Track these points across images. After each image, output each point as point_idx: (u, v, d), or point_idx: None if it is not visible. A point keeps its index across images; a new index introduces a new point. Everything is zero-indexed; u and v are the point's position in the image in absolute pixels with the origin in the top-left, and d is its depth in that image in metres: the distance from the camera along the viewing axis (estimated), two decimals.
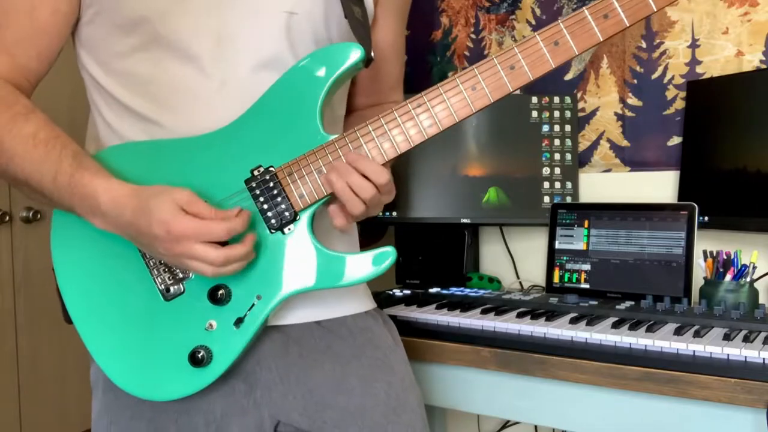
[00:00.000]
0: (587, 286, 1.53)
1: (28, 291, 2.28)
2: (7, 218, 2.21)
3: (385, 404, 0.98)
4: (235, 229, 0.84)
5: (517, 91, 1.79)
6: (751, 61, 1.52)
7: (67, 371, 2.35)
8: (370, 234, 1.90)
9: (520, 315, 1.31)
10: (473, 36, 1.89)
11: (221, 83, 0.92)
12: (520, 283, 1.78)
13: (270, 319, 0.94)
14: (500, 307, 1.37)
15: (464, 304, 1.41)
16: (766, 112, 1.39)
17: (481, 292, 1.54)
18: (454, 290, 1.56)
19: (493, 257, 1.85)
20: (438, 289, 1.57)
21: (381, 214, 1.72)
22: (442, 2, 1.94)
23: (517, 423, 1.85)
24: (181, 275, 0.90)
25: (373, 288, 1.58)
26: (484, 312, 1.35)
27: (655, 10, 0.85)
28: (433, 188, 1.68)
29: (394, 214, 1.71)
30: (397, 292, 1.58)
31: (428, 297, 1.51)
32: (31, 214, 2.25)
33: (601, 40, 0.86)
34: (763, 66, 1.50)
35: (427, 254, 1.74)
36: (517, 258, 1.81)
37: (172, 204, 0.82)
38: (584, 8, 0.86)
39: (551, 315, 1.29)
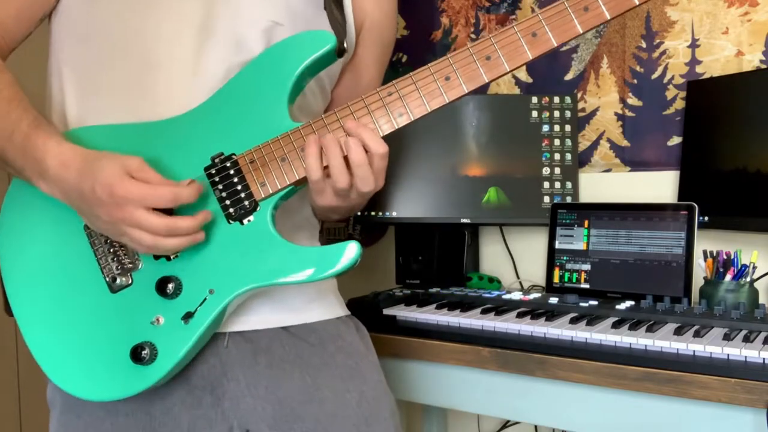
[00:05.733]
0: (587, 286, 1.52)
1: None
2: None
3: (357, 414, 0.95)
4: (183, 196, 0.80)
5: (517, 91, 1.81)
6: (751, 61, 1.52)
7: None
8: (370, 234, 1.90)
9: (520, 315, 1.31)
10: (473, 36, 1.89)
11: (194, 73, 0.90)
12: (520, 283, 1.78)
13: (232, 323, 0.91)
14: (500, 307, 1.37)
15: (464, 304, 1.41)
16: (766, 112, 1.39)
17: (481, 292, 1.54)
18: (454, 290, 1.55)
19: (493, 257, 1.85)
20: (438, 289, 1.56)
21: (381, 213, 1.72)
22: (442, 2, 1.94)
23: (517, 423, 1.84)
24: (129, 265, 0.86)
25: (372, 288, 1.60)
26: (484, 312, 1.35)
27: (637, 4, 0.83)
28: (433, 188, 1.68)
29: (394, 214, 1.71)
30: (397, 292, 1.58)
31: (428, 297, 1.51)
32: None
33: (581, 32, 0.84)
34: (763, 66, 1.50)
35: (427, 254, 1.74)
36: (517, 258, 1.81)
37: (119, 167, 0.79)
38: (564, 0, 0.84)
39: (551, 315, 1.29)
